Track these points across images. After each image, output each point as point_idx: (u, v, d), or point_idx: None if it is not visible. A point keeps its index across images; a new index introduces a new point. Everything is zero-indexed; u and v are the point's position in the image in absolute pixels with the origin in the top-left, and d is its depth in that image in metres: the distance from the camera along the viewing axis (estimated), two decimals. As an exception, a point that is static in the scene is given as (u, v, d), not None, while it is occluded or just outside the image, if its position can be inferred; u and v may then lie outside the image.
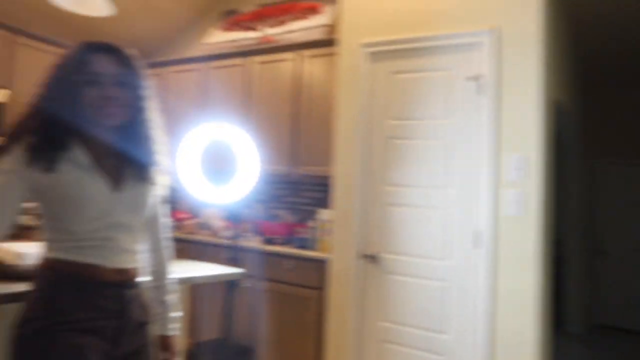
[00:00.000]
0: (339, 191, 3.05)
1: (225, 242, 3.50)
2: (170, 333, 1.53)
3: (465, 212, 2.65)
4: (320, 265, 3.13)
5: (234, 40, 4.22)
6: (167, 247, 1.56)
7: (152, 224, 1.50)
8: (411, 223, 2.80)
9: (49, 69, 1.32)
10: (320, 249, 3.25)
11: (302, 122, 3.64)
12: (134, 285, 1.39)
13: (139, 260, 1.42)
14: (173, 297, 1.55)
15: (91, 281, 1.28)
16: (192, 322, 3.54)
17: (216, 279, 2.11)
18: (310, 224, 3.46)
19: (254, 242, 3.51)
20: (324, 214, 3.27)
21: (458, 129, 2.70)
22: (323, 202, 3.72)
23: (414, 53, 2.86)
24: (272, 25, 4.06)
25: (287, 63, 3.75)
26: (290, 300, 3.22)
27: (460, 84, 2.71)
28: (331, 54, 3.45)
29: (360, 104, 3.00)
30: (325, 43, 3.57)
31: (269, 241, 3.52)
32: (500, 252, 2.54)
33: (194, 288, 3.52)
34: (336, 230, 3.04)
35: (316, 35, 3.73)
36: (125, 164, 1.38)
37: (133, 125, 1.37)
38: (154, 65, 4.53)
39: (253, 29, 4.18)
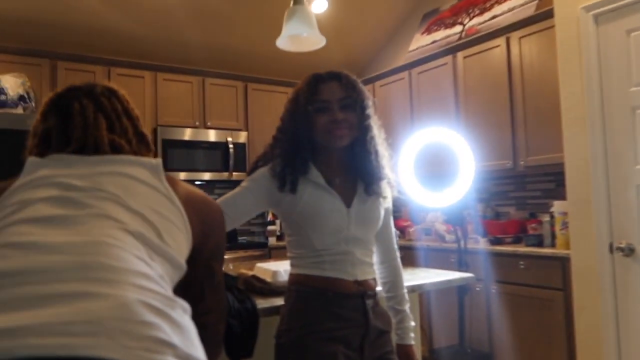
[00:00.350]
0: (574, 178, 2.69)
1: (450, 246, 3.41)
2: (409, 342, 1.56)
3: None
4: (560, 263, 2.78)
5: (437, 41, 4.15)
6: (398, 257, 1.61)
7: (383, 235, 1.56)
8: (677, 206, 2.29)
9: (286, 103, 1.50)
10: (559, 244, 2.90)
11: (520, 110, 3.34)
12: (373, 295, 1.46)
13: (373, 272, 1.50)
14: (408, 307, 1.59)
15: (334, 293, 1.38)
16: (426, 329, 3.52)
17: (445, 284, 2.05)
18: (542, 218, 3.13)
19: (480, 244, 3.33)
20: (557, 206, 2.92)
21: None
22: (555, 193, 3.34)
23: (653, 2, 2.37)
24: (474, 15, 3.87)
25: (496, 50, 3.51)
26: (529, 302, 2.94)
27: None
28: (545, 29, 3.11)
29: (589, 77, 2.60)
30: (536, 18, 3.24)
31: (498, 241, 3.29)
32: None
33: (426, 295, 3.51)
34: (574, 222, 2.67)
35: (524, 13, 3.42)
36: (356, 181, 1.48)
37: (360, 144, 1.45)
38: (364, 82, 4.74)
39: (455, 24, 4.05)
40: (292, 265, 1.48)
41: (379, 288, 1.55)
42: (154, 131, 4.04)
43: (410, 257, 3.61)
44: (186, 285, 1.03)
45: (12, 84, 3.39)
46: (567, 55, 2.73)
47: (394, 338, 1.55)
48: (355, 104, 1.43)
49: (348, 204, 1.43)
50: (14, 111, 3.31)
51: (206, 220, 0.98)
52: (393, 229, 1.62)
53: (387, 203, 1.53)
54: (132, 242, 0.74)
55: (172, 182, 0.94)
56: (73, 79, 3.79)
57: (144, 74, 4.08)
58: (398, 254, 1.63)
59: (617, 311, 2.50)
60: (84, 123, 0.94)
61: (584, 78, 2.63)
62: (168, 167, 3.98)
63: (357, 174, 1.48)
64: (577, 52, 2.67)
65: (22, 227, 0.74)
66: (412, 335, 1.58)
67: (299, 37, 2.29)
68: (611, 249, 2.51)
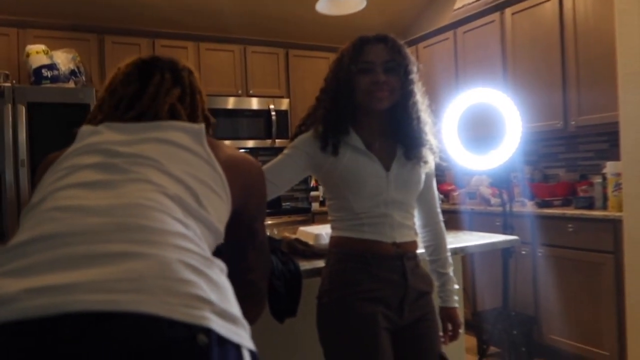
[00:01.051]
0: (630, 138, 2.56)
1: (495, 209, 3.34)
2: (453, 305, 1.58)
3: None
4: (612, 226, 2.69)
5: (482, -3, 3.97)
6: (441, 221, 1.62)
7: (425, 200, 1.57)
8: None
9: (331, 64, 1.50)
10: (611, 207, 2.80)
11: (573, 67, 3.18)
12: (413, 257, 1.47)
13: (414, 234, 1.50)
14: (452, 270, 1.60)
15: (373, 255, 1.39)
16: (470, 292, 3.51)
17: (489, 247, 2.03)
18: (594, 180, 3.01)
19: (527, 207, 3.26)
20: (610, 167, 2.80)
21: None
22: (608, 153, 3.20)
23: None
24: (522, -33, 3.67)
25: (547, 5, 3.33)
26: (578, 266, 2.87)
27: None
28: (601, -21, 2.92)
29: (647, 27, 2.44)
30: (592, -32, 3.04)
31: (546, 204, 3.20)
32: None
33: (470, 258, 3.49)
34: (628, 184, 2.56)
35: (578, -38, 3.20)
36: (396, 145, 1.47)
37: (402, 109, 1.44)
38: (407, 44, 4.62)
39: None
40: (332, 227, 1.50)
41: (421, 250, 1.56)
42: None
43: (454, 221, 3.58)
44: (229, 246, 1.07)
45: (64, 59, 3.52)
46: (624, 6, 2.55)
47: (437, 301, 1.56)
48: (399, 68, 1.41)
49: (387, 168, 1.44)
50: (66, 85, 3.45)
51: (247, 184, 1.00)
52: (436, 193, 1.61)
53: (428, 168, 1.52)
54: (169, 204, 0.77)
55: (214, 147, 0.96)
56: (119, 52, 3.92)
57: (187, 45, 4.14)
58: (441, 217, 1.62)
59: (672, 275, 2.41)
60: (156, 93, 0.98)
61: (642, 30, 2.47)
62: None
63: (397, 138, 1.47)
64: (636, 2, 2.49)
65: (69, 191, 0.79)
66: (456, 298, 1.59)
67: (338, 0, 2.25)
68: (668, 210, 2.40)
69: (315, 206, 4.42)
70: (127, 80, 1.02)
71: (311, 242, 1.75)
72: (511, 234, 2.25)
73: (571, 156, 3.55)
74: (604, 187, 2.88)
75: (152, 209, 0.75)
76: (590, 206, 2.97)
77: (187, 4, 4.16)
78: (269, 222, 4.02)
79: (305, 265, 1.61)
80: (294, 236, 1.83)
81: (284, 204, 4.70)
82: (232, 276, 1.08)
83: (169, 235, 0.72)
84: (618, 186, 2.71)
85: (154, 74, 1.02)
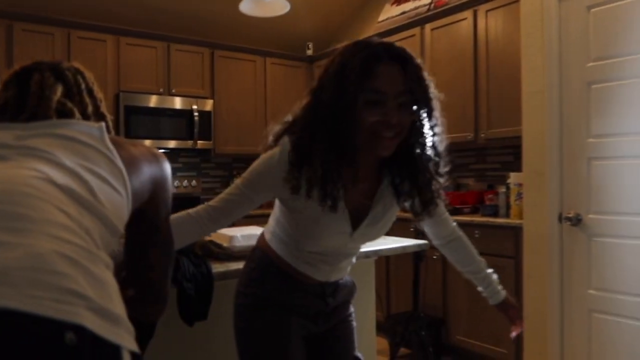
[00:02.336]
0: (530, 151, 2.77)
1: (409, 215, 3.47)
2: (502, 297, 1.52)
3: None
4: (513, 233, 2.89)
5: (406, 12, 4.14)
6: (458, 229, 1.50)
7: (437, 222, 1.41)
8: (625, 177, 2.39)
9: (324, 77, 1.13)
10: (513, 215, 3.01)
11: (484, 83, 3.40)
12: (338, 285, 1.39)
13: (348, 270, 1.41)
14: (487, 268, 1.52)
15: (298, 281, 1.32)
16: (384, 295, 3.63)
17: (400, 250, 2.11)
18: (499, 189, 3.23)
19: (441, 214, 3.42)
20: (513, 178, 3.01)
21: (679, 59, 2.21)
22: (513, 165, 3.44)
23: (611, -22, 2.42)
24: (442, -14, 3.87)
25: (463, 23, 3.54)
26: (484, 271, 3.06)
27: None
28: (511, 4, 3.15)
29: (549, 51, 2.66)
30: (503, -8, 3.27)
31: (457, 211, 3.38)
32: None
33: (384, 262, 3.60)
34: (528, 193, 2.77)
35: (491, -14, 3.43)
36: (378, 184, 1.23)
37: (411, 154, 1.15)
38: (330, 53, 4.71)
39: (424, -5, 4.04)
40: (269, 232, 1.37)
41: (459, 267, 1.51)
42: (116, 97, 3.95)
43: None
44: (131, 243, 1.04)
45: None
46: (530, 29, 2.77)
47: (491, 300, 1.53)
48: (417, 104, 1.10)
49: (355, 225, 1.22)
50: (-34, 72, 3.18)
51: (150, 181, 0.98)
52: (443, 207, 1.39)
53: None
54: (57, 194, 0.73)
55: (117, 144, 0.92)
56: (30, 42, 3.66)
57: (106, 38, 3.96)
58: (456, 225, 1.47)
59: (562, 278, 2.63)
60: (41, 92, 0.94)
61: (544, 52, 2.69)
62: (131, 134, 3.91)
63: (392, 185, 1.23)
64: (539, 26, 2.71)
65: None
66: (500, 288, 1.52)
67: (263, 1, 2.26)
68: (560, 218, 2.62)
69: (237, 209, 4.37)
70: (5, 87, 0.98)
71: (225, 245, 1.73)
72: (422, 238, 2.35)
73: (480, 167, 3.78)
74: (508, 196, 3.09)
75: (33, 196, 0.69)
76: (495, 214, 3.17)
77: (107, -4, 3.99)
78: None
79: (218, 267, 1.59)
80: (208, 238, 1.80)
81: (205, 206, 4.61)
82: (133, 274, 1.05)
83: (49, 224, 0.67)
84: (519, 195, 2.92)
85: (33, 74, 0.97)
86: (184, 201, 4.43)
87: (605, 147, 2.47)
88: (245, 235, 1.75)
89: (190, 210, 1.24)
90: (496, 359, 3.01)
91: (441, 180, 1.22)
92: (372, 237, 1.32)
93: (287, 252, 1.31)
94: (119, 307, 0.69)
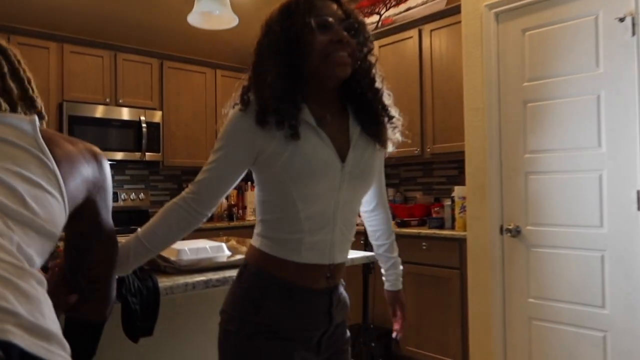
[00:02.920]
0: (472, 165, 2.89)
1: (359, 228, 3.53)
2: (400, 287, 1.53)
3: (623, 171, 2.33)
4: (458, 244, 3.00)
5: (354, 28, 4.24)
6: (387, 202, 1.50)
7: (378, 181, 1.39)
8: (557, 190, 2.54)
9: (269, 25, 1.17)
10: (457, 227, 3.12)
11: (429, 99, 3.52)
12: (340, 286, 1.29)
13: (349, 248, 1.29)
14: (397, 252, 1.52)
15: (303, 290, 1.16)
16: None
17: (348, 262, 2.13)
18: (445, 202, 3.34)
19: (389, 226, 3.49)
20: (458, 191, 3.13)
21: (608, 79, 2.38)
22: (457, 179, 3.57)
23: (547, 4, 2.58)
24: (390, 6, 4.00)
25: (409, 41, 3.66)
26: (430, 281, 3.14)
27: (608, 28, 2.37)
28: (454, 24, 3.29)
29: (488, 70, 2.80)
30: (447, 13, 3.42)
31: (405, 224, 3.47)
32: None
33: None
34: (471, 206, 2.89)
35: (437, 7, 3.59)
36: (348, 125, 1.21)
37: (361, 77, 1.20)
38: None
39: (373, 13, 4.16)
40: (258, 234, 1.21)
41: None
42: (59, 106, 3.81)
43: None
44: (73, 242, 1.01)
45: None
46: (471, 49, 2.91)
47: (387, 286, 1.55)
48: (358, 30, 1.16)
49: (342, 157, 1.16)
50: None
51: (88, 178, 0.94)
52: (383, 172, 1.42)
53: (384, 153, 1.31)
54: None
55: (50, 141, 0.86)
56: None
57: (49, 45, 3.82)
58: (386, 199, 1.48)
59: (504, 287, 2.74)
60: None
61: (484, 71, 2.82)
62: (75, 145, 3.78)
63: (354, 116, 1.21)
64: (479, 47, 2.85)
65: None
66: (401, 280, 1.54)
67: (211, 14, 2.26)
68: (501, 230, 2.74)
69: (186, 223, 4.29)
70: None
71: (173, 258, 1.70)
72: (371, 251, 2.39)
73: (427, 180, 3.90)
74: (453, 209, 3.20)
75: None
76: (441, 226, 3.28)
77: (51, 1, 3.86)
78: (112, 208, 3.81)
79: (165, 282, 1.56)
80: (154, 252, 1.76)
81: (152, 220, 4.50)
82: (77, 272, 1.03)
83: None
84: (463, 208, 3.03)
85: None
86: (131, 214, 4.31)
87: (540, 162, 2.61)
88: (192, 248, 1.73)
89: (174, 200, 1.20)
90: (443, 367, 3.09)
91: (391, 111, 1.27)
92: (364, 178, 1.22)
93: (286, 246, 1.15)
94: (52, 324, 0.67)
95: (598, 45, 2.42)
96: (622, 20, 2.32)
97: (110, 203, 1.07)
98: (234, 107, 1.17)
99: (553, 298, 2.56)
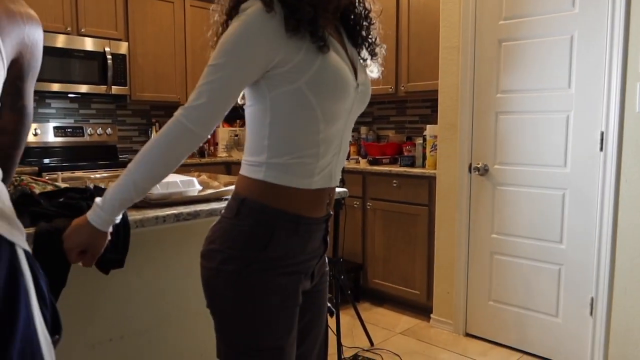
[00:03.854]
0: (445, 104, 2.90)
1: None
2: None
3: (589, 112, 2.38)
4: (427, 182, 3.06)
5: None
6: None
7: None
8: (525, 131, 2.59)
9: None
10: (428, 165, 3.17)
11: (405, 37, 3.46)
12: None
13: None
14: None
15: (307, 220, 1.09)
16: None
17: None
18: (416, 141, 3.37)
19: (360, 164, 3.53)
20: (429, 130, 3.15)
21: (582, 19, 2.38)
22: (430, 118, 3.59)
23: (525, -62, 2.52)
24: None
25: (386, -26, 3.54)
26: (400, 218, 3.23)
27: (583, -33, 2.34)
28: (432, -43, 3.18)
29: (465, 8, 2.75)
30: (425, -55, 3.29)
31: (376, 162, 3.50)
32: (625, 153, 2.26)
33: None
34: (442, 145, 2.92)
35: (415, -62, 3.45)
36: (348, 46, 1.16)
37: (358, 6, 1.19)
38: None
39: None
40: (261, 170, 1.06)
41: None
42: (17, 35, 3.60)
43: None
44: None
45: None
46: (448, -16, 2.84)
47: None
48: None
49: (355, 75, 1.11)
50: None
51: (22, 40, 0.92)
52: None
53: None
54: None
55: None
56: None
57: (1, -33, 3.55)
58: None
59: (469, 223, 2.84)
60: None
61: (461, 9, 2.77)
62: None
63: (348, 39, 1.17)
64: (457, -18, 2.78)
65: None
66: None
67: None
68: (470, 169, 2.80)
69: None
70: None
71: (143, 192, 1.69)
72: (342, 187, 2.42)
73: (400, 119, 3.91)
74: (424, 148, 3.24)
75: None
76: (412, 164, 3.32)
77: None
78: (105, 174, 3.75)
79: (135, 215, 1.55)
80: (124, 186, 1.74)
81: (121, 156, 4.42)
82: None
83: None
84: (434, 147, 3.07)
85: None
86: (98, 149, 4.22)
87: (511, 102, 2.64)
88: (163, 182, 1.71)
89: (173, 118, 1.00)
90: (409, 299, 3.24)
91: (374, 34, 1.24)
92: (367, 98, 1.17)
93: (297, 173, 1.05)
94: (9, 209, 0.74)
95: (575, -17, 2.39)
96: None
97: (35, 77, 1.03)
98: (244, 6, 0.98)
99: (515, 234, 2.67)
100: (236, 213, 1.07)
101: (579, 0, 2.39)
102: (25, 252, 0.78)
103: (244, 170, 1.11)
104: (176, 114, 1.00)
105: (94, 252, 1.15)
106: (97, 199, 1.09)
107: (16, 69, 0.94)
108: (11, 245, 0.73)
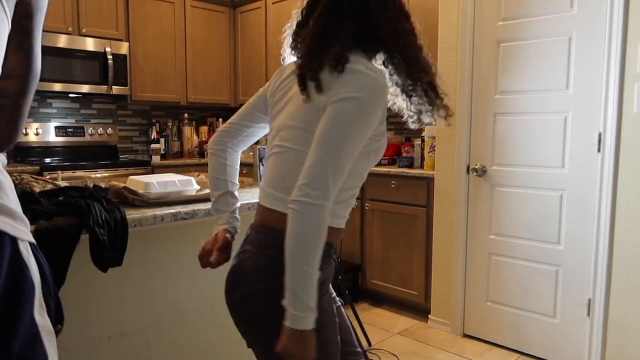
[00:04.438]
0: (444, 105, 2.91)
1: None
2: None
3: (587, 113, 2.39)
4: (426, 183, 3.07)
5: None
6: None
7: None
8: (523, 132, 2.60)
9: None
10: (426, 166, 3.18)
11: (404, 37, 3.47)
12: None
13: None
14: None
15: (334, 243, 1.20)
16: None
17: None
18: (415, 142, 3.38)
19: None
20: (428, 131, 3.16)
21: (581, 20, 2.39)
22: (429, 120, 3.59)
23: (523, -59, 2.53)
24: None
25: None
26: (398, 219, 3.24)
27: (580, -31, 2.35)
28: (431, -42, 3.19)
29: (464, 8, 2.76)
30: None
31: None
32: (623, 154, 2.27)
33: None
34: (440, 146, 2.93)
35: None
36: None
37: None
38: (251, 1, 4.59)
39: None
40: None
41: None
42: (19, 34, 3.62)
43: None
44: None
45: None
46: (447, -14, 2.85)
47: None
48: None
49: None
50: None
51: None
52: None
53: None
54: None
55: None
56: None
57: (3, -33, 3.57)
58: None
59: (467, 224, 2.85)
60: None
61: (460, 10, 2.78)
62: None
63: None
64: (455, -17, 2.79)
65: None
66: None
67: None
68: (468, 170, 2.81)
69: (156, 159, 4.25)
70: None
71: (141, 191, 1.70)
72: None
73: (399, 120, 3.90)
74: (422, 149, 3.25)
75: None
76: (411, 165, 3.33)
77: None
78: (105, 174, 3.77)
79: (133, 214, 1.57)
80: (122, 184, 1.76)
81: (121, 156, 4.43)
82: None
83: None
84: (432, 148, 3.08)
85: None
86: (99, 149, 4.24)
87: (509, 103, 2.65)
88: (161, 182, 1.73)
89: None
90: (407, 299, 3.24)
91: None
92: None
93: (342, 214, 1.17)
94: (14, 204, 0.76)
95: (573, -15, 2.40)
96: (598, -41, 2.29)
97: (43, 17, 0.99)
98: (368, 72, 1.07)
99: (512, 235, 2.68)
100: (281, 250, 1.03)
101: (577, 1, 2.40)
102: (31, 244, 0.80)
103: (282, 208, 1.11)
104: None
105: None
106: (291, 311, 1.01)
107: (23, 7, 0.90)
108: (14, 240, 0.75)
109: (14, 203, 0.75)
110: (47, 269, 0.94)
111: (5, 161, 0.78)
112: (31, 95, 0.96)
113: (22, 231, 0.75)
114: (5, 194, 0.73)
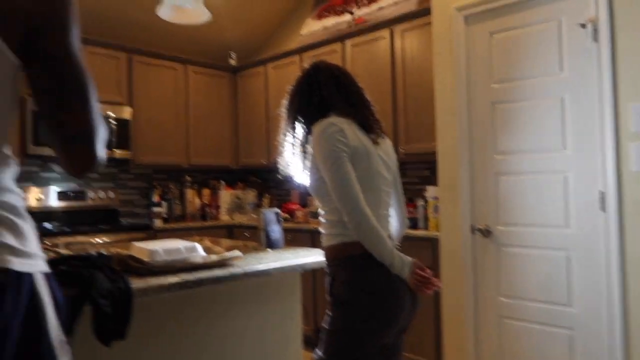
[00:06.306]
0: (444, 165, 2.94)
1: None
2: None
3: (587, 172, 2.40)
4: (431, 244, 3.04)
5: (327, 27, 4.24)
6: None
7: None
8: (526, 191, 2.61)
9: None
10: (430, 227, 3.16)
11: (401, 99, 3.55)
12: None
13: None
14: None
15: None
16: (311, 308, 3.65)
17: (323, 264, 2.14)
18: (418, 203, 3.38)
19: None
20: (430, 191, 3.17)
21: (571, 83, 2.45)
22: (430, 179, 3.61)
23: (513, 8, 2.64)
24: (362, 5, 4.02)
25: (381, 41, 3.69)
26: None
27: (571, 33, 2.45)
28: (425, 25, 3.33)
29: (458, 72, 2.85)
30: (418, 14, 3.45)
31: (378, 223, 3.49)
32: (627, 212, 2.26)
33: (310, 276, 3.63)
34: (443, 206, 2.93)
35: (408, 7, 3.62)
36: None
37: None
38: (254, 64, 4.72)
39: (345, 12, 4.17)
40: (335, 236, 1.72)
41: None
42: (21, 100, 3.69)
43: (297, 239, 3.71)
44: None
45: None
46: (441, 50, 2.95)
47: None
48: None
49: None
50: None
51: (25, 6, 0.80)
52: None
53: None
54: None
55: None
56: None
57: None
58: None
59: (475, 286, 2.79)
60: None
61: (454, 72, 2.87)
62: (39, 143, 3.68)
63: None
64: (449, 48, 2.90)
65: None
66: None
67: (182, 8, 2.22)
68: (472, 230, 2.79)
69: (157, 223, 4.22)
70: None
71: (146, 259, 1.67)
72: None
73: (402, 181, 3.93)
74: (426, 209, 3.24)
75: None
76: (415, 226, 3.31)
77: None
78: (105, 239, 3.72)
79: (138, 283, 1.53)
80: (126, 252, 1.73)
81: (122, 219, 4.40)
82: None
83: None
84: (436, 208, 3.07)
85: None
86: (100, 213, 4.21)
87: (509, 163, 2.67)
88: (167, 249, 1.70)
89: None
90: (415, 365, 3.12)
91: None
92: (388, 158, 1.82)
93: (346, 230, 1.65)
94: (32, 246, 0.89)
95: (562, 49, 2.49)
96: (583, 26, 2.38)
97: (74, 20, 0.88)
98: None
99: (522, 297, 2.62)
100: (334, 275, 1.75)
101: (567, 64, 2.47)
102: (45, 274, 0.90)
103: (337, 239, 1.75)
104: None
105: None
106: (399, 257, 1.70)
107: (51, 24, 0.83)
108: (30, 276, 0.86)
109: (33, 245, 0.89)
110: (58, 293, 0.97)
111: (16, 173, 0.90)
112: (96, 109, 0.92)
113: (37, 265, 0.89)
114: (26, 240, 0.88)
